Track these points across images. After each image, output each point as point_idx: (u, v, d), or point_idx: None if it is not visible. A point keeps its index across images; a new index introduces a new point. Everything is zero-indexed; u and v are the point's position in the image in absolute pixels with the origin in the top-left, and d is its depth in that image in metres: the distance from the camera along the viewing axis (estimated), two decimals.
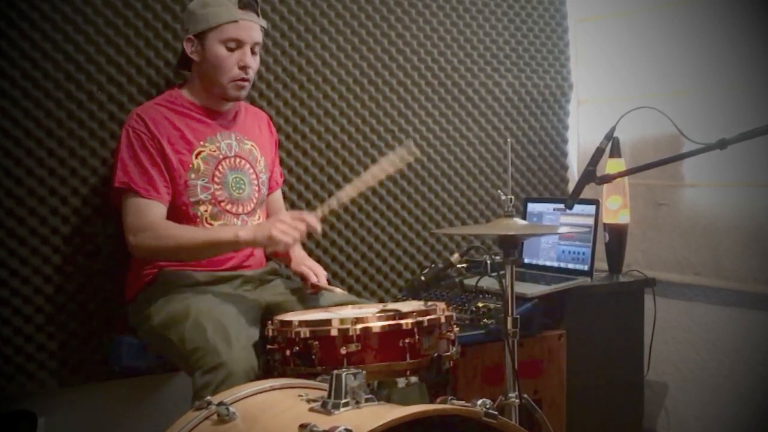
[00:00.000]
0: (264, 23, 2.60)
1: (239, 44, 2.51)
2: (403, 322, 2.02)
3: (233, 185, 2.59)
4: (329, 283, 2.65)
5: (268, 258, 2.76)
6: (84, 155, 2.65)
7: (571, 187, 3.55)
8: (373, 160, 3.13)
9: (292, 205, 2.95)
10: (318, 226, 2.39)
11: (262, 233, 2.35)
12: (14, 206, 2.56)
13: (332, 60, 3.07)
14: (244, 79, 2.54)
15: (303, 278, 2.62)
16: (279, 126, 2.94)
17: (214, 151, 2.57)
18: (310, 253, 2.90)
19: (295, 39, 2.99)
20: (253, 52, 2.55)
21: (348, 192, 2.55)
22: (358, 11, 3.11)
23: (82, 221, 2.65)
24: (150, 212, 2.44)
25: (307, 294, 2.58)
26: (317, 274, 2.58)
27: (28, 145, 2.57)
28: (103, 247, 2.68)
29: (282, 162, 2.93)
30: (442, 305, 2.16)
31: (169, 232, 2.43)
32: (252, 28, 2.53)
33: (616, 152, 3.15)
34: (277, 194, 2.84)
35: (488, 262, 2.66)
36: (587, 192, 2.51)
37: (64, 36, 2.60)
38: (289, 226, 2.33)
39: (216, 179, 2.56)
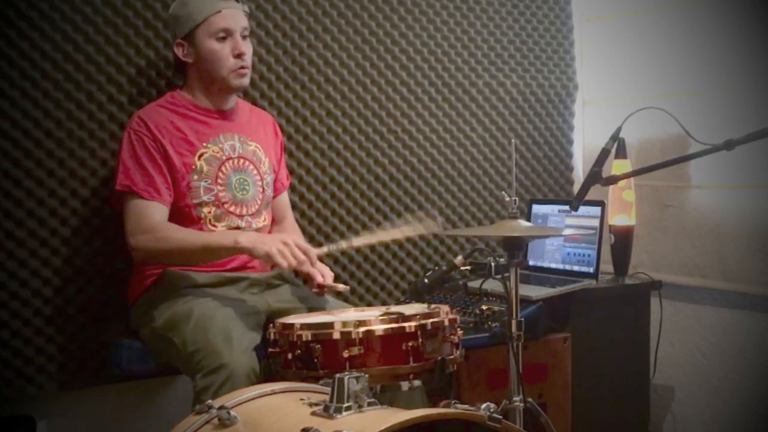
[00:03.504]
0: (246, 8, 2.61)
1: (228, 33, 2.52)
2: (406, 325, 2.01)
3: (237, 186, 2.57)
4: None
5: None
6: (83, 156, 2.63)
7: (576, 188, 3.53)
8: (375, 161, 3.13)
9: (293, 207, 2.92)
10: (314, 266, 2.41)
11: (261, 247, 2.30)
12: (12, 208, 2.55)
13: (334, 60, 3.05)
14: (242, 67, 2.55)
15: (309, 278, 2.58)
16: (280, 127, 2.92)
17: (217, 152, 2.55)
18: None
19: (297, 38, 2.97)
20: (243, 38, 2.55)
21: (359, 242, 2.60)
22: (360, 11, 3.09)
23: (81, 223, 2.63)
24: (151, 214, 2.42)
25: (313, 296, 2.55)
26: (324, 274, 2.53)
27: (27, 146, 2.56)
28: (103, 249, 2.66)
29: None
30: (445, 308, 2.15)
31: (168, 235, 2.41)
32: (236, 14, 2.55)
33: (621, 153, 3.12)
34: (283, 196, 2.81)
35: (492, 264, 2.64)
36: (592, 193, 2.49)
37: (63, 35, 2.58)
38: (290, 252, 2.29)
39: (219, 180, 2.54)
